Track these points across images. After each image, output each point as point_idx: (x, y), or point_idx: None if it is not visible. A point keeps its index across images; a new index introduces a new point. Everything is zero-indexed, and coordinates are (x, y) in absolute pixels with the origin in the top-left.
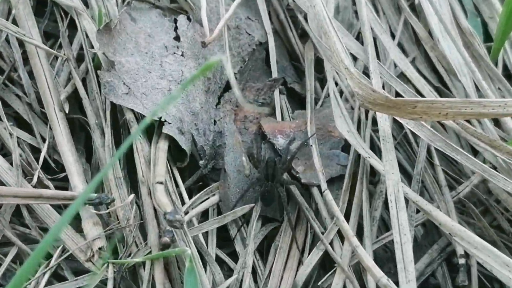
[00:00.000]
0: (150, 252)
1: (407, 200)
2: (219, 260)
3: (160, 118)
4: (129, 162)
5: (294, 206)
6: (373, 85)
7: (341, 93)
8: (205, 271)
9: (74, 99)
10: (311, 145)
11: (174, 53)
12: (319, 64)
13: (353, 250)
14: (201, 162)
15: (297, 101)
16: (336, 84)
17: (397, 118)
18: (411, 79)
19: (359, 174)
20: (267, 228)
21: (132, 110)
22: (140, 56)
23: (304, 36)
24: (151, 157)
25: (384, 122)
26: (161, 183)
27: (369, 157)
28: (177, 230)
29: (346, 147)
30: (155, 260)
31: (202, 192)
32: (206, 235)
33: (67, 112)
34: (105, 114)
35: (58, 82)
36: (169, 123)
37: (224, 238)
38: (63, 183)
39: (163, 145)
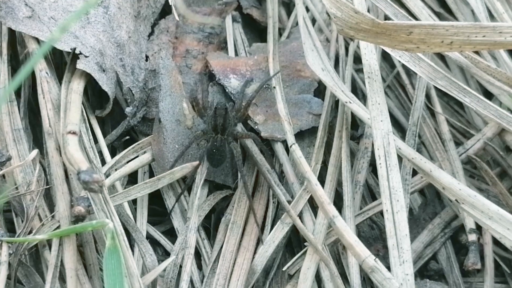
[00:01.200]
0: (58, 228)
1: (400, 158)
2: (151, 239)
3: (74, 50)
4: (32, 111)
5: (252, 167)
6: (354, 5)
7: (313, 22)
8: (132, 253)
9: None
10: (274, 87)
11: None
12: None
13: (329, 224)
14: (128, 109)
15: (256, 31)
16: (307, 10)
17: (387, 50)
18: (405, 1)
19: (337, 126)
20: (215, 197)
21: (37, 39)
22: None
23: None
24: (61, 101)
25: (370, 55)
26: (74, 133)
27: (350, 102)
28: (95, 196)
29: (319, 91)
30: (65, 238)
31: (129, 148)
32: (134, 206)
33: None
34: (0, 45)
35: None
36: (86, 57)
37: (157, 213)
38: None
39: (77, 86)
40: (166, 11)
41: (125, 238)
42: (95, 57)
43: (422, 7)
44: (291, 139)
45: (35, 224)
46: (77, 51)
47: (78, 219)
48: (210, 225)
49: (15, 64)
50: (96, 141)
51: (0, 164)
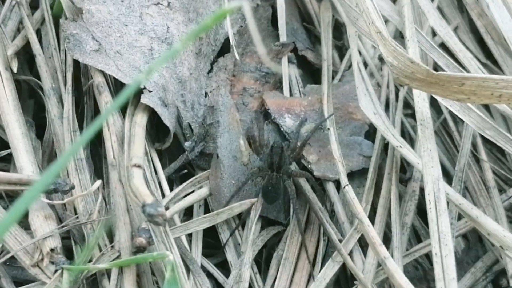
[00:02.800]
0: (118, 257)
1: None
2: (204, 272)
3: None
4: (92, 142)
5: (303, 205)
6: (409, 55)
7: (365, 66)
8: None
9: (24, 55)
10: (328, 129)
11: (158, 3)
12: (336, 29)
13: (379, 263)
14: (186, 144)
15: (309, 73)
16: (360, 54)
17: (439, 99)
18: (455, 51)
19: (386, 168)
20: (268, 233)
21: (103, 73)
22: (115, 5)
23: None
24: (125, 134)
25: (422, 103)
26: (139, 166)
27: (401, 147)
28: (156, 228)
29: (369, 133)
30: (126, 268)
31: (187, 182)
32: (189, 239)
33: (14, 71)
34: (65, 76)
35: (4, 32)
36: (150, 92)
37: (210, 245)
38: (4, 164)
39: (141, 120)
40: (223, 49)
41: (184, 271)
42: (158, 92)
43: (471, 58)
44: (344, 180)
45: (95, 253)
46: (141, 86)
47: (139, 250)
48: (262, 260)
49: (77, 94)
50: (155, 172)
51: (63, 192)
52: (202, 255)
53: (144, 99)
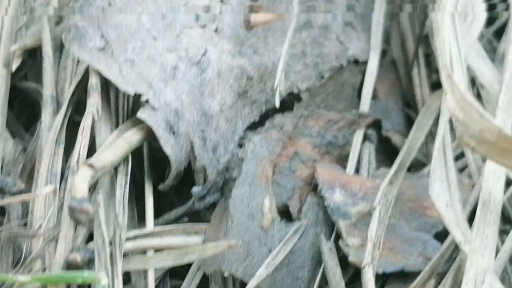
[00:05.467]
0: None
1: None
2: None
3: (140, 96)
4: None
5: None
6: (495, 122)
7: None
8: None
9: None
10: (374, 208)
11: (205, 25)
12: None
13: None
14: (195, 188)
15: (392, 160)
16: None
17: None
18: None
19: (448, 273)
20: None
21: (101, 76)
22: (151, 19)
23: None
24: (105, 144)
25: (494, 181)
26: (92, 166)
27: (465, 243)
28: (101, 250)
29: (442, 235)
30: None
31: (178, 224)
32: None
33: (13, 70)
34: (71, 81)
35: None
36: (154, 109)
37: None
38: None
39: (131, 135)
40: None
41: None
42: (166, 113)
43: None
44: (367, 259)
45: (35, 264)
46: (143, 99)
47: (70, 267)
48: None
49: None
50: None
51: (10, 193)
52: None
53: (142, 114)
